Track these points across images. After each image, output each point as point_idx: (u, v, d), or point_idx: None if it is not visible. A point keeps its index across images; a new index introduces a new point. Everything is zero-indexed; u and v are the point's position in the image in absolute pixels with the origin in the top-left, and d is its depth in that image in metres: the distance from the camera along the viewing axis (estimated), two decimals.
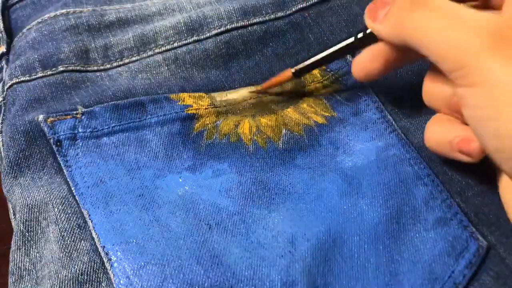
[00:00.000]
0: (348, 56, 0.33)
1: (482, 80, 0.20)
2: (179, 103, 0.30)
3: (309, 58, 0.29)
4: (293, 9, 0.35)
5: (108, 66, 0.33)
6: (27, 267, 0.26)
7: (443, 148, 0.25)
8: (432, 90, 0.25)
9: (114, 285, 0.23)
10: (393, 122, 0.30)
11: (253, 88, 0.32)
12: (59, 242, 0.25)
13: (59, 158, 0.28)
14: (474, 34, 0.21)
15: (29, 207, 0.27)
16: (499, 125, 0.20)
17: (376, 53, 0.26)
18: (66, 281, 0.24)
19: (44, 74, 0.31)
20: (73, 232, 0.25)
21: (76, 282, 0.24)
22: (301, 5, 0.35)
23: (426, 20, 0.22)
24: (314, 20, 0.35)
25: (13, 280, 0.25)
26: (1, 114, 0.31)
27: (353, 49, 0.28)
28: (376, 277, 0.23)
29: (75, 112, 0.29)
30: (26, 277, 0.25)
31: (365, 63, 0.27)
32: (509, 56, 0.20)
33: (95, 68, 0.32)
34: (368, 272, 0.23)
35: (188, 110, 0.30)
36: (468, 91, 0.21)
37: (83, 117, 0.29)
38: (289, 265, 0.23)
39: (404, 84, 0.32)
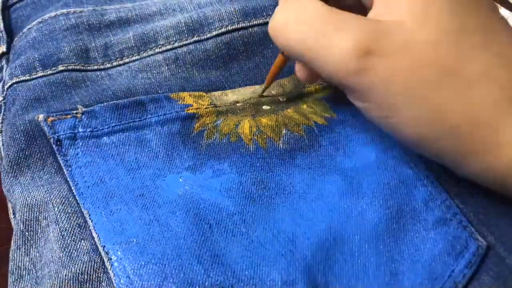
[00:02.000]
0: None
1: (367, 99, 0.22)
2: (179, 102, 0.30)
3: None
4: None
5: (108, 65, 0.33)
6: (27, 266, 0.26)
7: None
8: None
9: (115, 284, 0.23)
10: None
11: (253, 88, 0.32)
12: (59, 242, 0.25)
13: (59, 158, 0.28)
14: (347, 50, 0.21)
15: (29, 206, 0.27)
16: (396, 132, 0.23)
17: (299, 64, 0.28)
18: (66, 281, 0.24)
19: (44, 74, 0.31)
20: (73, 232, 0.25)
21: (76, 282, 0.24)
22: None
23: (296, 35, 0.22)
24: None
25: (13, 280, 0.25)
26: (1, 114, 0.32)
27: None
28: (376, 276, 0.23)
29: (75, 112, 0.29)
30: (26, 277, 0.25)
31: (297, 72, 0.28)
32: (388, 68, 0.20)
33: (95, 67, 0.32)
34: (368, 271, 0.24)
35: (188, 109, 0.30)
36: (359, 104, 0.23)
37: (83, 116, 0.29)
38: (289, 264, 0.23)
39: None
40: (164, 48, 0.33)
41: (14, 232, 0.27)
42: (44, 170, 0.28)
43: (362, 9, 0.24)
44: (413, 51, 0.20)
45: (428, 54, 0.20)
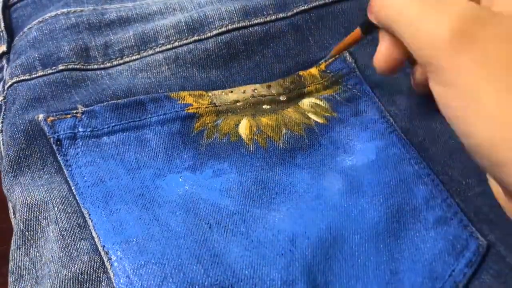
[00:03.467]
0: (348, 57, 0.33)
1: (452, 82, 0.20)
2: (179, 102, 0.30)
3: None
4: (294, 11, 0.35)
5: (109, 64, 0.33)
6: (27, 266, 0.26)
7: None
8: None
9: (114, 284, 0.23)
10: (393, 122, 0.30)
11: (254, 87, 0.32)
12: (59, 242, 0.25)
13: (59, 158, 0.28)
14: (445, 26, 0.20)
15: (29, 206, 0.27)
16: (468, 129, 0.20)
17: (389, 43, 0.25)
18: (66, 281, 0.24)
19: (44, 73, 0.31)
20: (73, 232, 0.25)
21: (76, 282, 0.24)
22: (302, 7, 0.35)
23: (399, 4, 0.22)
24: (314, 23, 0.35)
25: (13, 280, 0.25)
26: (2, 113, 0.31)
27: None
28: (376, 275, 0.23)
29: (75, 111, 0.29)
30: (26, 277, 0.25)
31: (384, 55, 0.26)
32: (483, 54, 0.19)
33: (95, 66, 0.32)
34: (368, 271, 0.24)
35: (189, 109, 0.30)
36: (439, 89, 0.21)
37: (83, 116, 0.29)
38: (289, 264, 0.23)
39: (404, 85, 0.32)
40: (164, 48, 0.33)
41: (14, 232, 0.27)
42: (44, 170, 0.28)
43: None
44: None
45: None
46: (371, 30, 0.27)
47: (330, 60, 0.33)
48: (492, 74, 0.19)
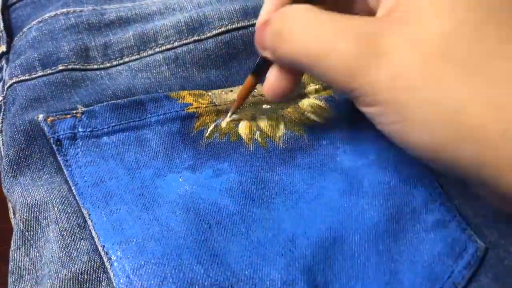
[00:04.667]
0: None
1: (376, 101, 0.20)
2: (179, 101, 0.30)
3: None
4: None
5: (108, 64, 0.33)
6: (27, 266, 0.26)
7: None
8: None
9: (114, 284, 0.23)
10: None
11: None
12: (59, 242, 0.25)
13: (59, 158, 0.28)
14: (352, 50, 0.20)
15: (29, 206, 0.27)
16: (408, 138, 0.20)
17: (278, 73, 0.25)
18: (66, 281, 0.24)
19: (44, 73, 0.31)
20: (73, 232, 0.25)
21: (76, 282, 0.24)
22: None
23: (303, 41, 0.21)
24: None
25: (13, 280, 0.25)
26: (1, 113, 0.32)
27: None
28: (376, 276, 0.23)
29: (75, 112, 0.29)
30: (26, 277, 0.25)
31: (273, 86, 0.26)
32: (391, 65, 0.19)
33: (95, 66, 0.32)
34: (368, 271, 0.24)
35: (188, 109, 0.30)
36: (368, 110, 0.21)
37: (83, 116, 0.29)
38: (289, 264, 0.23)
39: None
40: (164, 48, 0.33)
41: (14, 232, 0.27)
42: (44, 170, 0.28)
43: (369, 14, 0.23)
44: (423, 44, 0.19)
45: (441, 46, 0.18)
46: (265, 67, 0.26)
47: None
48: (407, 82, 0.19)
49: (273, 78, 0.25)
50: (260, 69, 0.27)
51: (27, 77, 0.31)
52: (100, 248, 0.24)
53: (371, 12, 0.23)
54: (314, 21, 0.21)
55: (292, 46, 0.22)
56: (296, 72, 0.25)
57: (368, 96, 0.20)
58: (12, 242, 0.26)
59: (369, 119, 0.22)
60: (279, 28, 0.23)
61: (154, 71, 0.32)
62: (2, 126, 0.31)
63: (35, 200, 0.27)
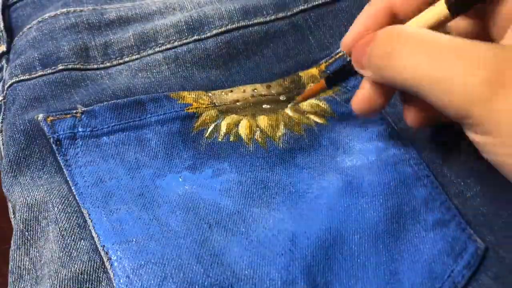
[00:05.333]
0: (348, 59, 0.33)
1: (493, 131, 0.19)
2: (179, 101, 0.30)
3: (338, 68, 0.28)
4: (294, 11, 0.35)
5: (108, 64, 0.33)
6: (27, 266, 0.26)
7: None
8: None
9: (114, 284, 0.23)
10: (393, 123, 0.30)
11: (253, 87, 0.32)
12: (59, 242, 0.25)
13: (58, 158, 0.28)
14: (477, 77, 0.19)
15: (29, 206, 0.27)
16: None
17: (372, 90, 0.25)
18: (66, 281, 0.24)
19: (44, 73, 0.31)
20: (73, 232, 0.25)
21: (76, 282, 0.24)
22: (303, 7, 0.35)
23: (414, 65, 0.20)
24: (314, 23, 0.35)
25: (13, 280, 0.25)
26: (1, 113, 0.32)
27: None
28: (376, 275, 0.23)
29: (75, 111, 0.29)
30: (26, 276, 0.25)
31: (364, 101, 0.25)
32: None
33: (95, 66, 0.32)
34: (368, 271, 0.24)
35: (188, 109, 0.30)
36: (481, 139, 0.20)
37: (83, 116, 0.29)
38: (289, 264, 0.23)
39: None
40: (164, 47, 0.33)
41: (14, 232, 0.27)
42: (44, 170, 0.28)
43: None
44: None
45: None
46: (342, 76, 0.26)
47: (331, 61, 0.33)
48: None
49: (366, 94, 0.25)
50: (338, 77, 0.28)
51: (27, 77, 0.31)
52: (100, 248, 0.24)
53: (486, 39, 0.22)
54: (432, 44, 0.20)
55: (403, 69, 0.21)
56: (391, 89, 0.24)
57: (484, 126, 0.20)
58: (12, 242, 0.26)
59: (475, 145, 0.21)
60: (388, 49, 0.22)
61: (154, 71, 0.32)
62: (2, 126, 0.31)
63: (35, 200, 0.27)
